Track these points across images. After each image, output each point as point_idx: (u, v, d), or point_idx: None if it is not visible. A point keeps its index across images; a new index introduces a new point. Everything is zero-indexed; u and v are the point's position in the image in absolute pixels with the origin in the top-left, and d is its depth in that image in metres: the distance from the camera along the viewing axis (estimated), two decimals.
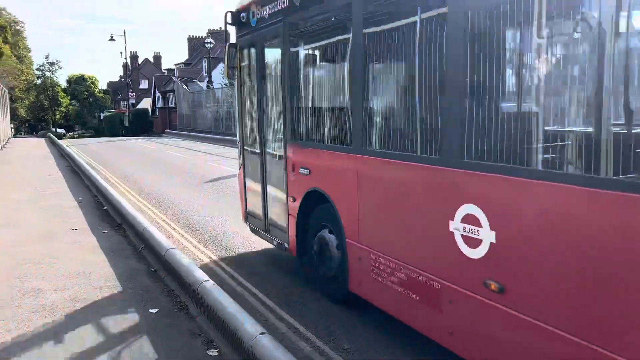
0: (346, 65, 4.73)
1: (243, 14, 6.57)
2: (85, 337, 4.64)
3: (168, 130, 47.32)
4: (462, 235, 3.43)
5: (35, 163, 20.24)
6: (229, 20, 6.65)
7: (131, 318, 5.02)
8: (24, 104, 63.31)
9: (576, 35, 2.89)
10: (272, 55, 6.08)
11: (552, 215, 2.83)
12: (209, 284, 4.96)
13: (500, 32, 3.16)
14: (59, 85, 66.83)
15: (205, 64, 48.70)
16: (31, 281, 6.03)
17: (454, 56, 3.38)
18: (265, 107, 6.31)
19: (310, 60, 5.63)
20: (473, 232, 3.33)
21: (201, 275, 5.18)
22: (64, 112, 67.45)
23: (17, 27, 60.01)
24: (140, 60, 77.74)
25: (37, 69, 65.67)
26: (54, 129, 58.86)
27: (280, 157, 5.96)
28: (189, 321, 4.91)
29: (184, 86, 46.07)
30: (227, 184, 13.39)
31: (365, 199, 4.53)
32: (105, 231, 8.50)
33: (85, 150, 27.17)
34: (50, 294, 5.63)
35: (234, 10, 6.71)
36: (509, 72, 3.25)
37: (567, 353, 2.77)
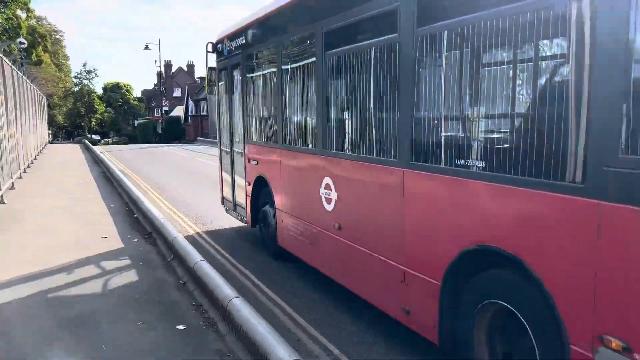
0: (274, 88, 6.81)
1: (219, 45, 8.69)
2: (109, 353, 4.45)
3: (200, 138, 47.86)
4: (324, 197, 5.51)
5: (69, 169, 20.56)
6: (209, 49, 8.80)
7: (158, 335, 4.80)
8: (61, 110, 64.83)
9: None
10: (236, 77, 8.31)
11: (363, 181, 4.81)
12: (238, 301, 4.71)
13: (344, 73, 5.08)
14: (95, 93, 68.27)
15: None
16: (57, 291, 5.92)
17: (316, 88, 5.57)
18: (233, 116, 8.63)
19: (257, 82, 7.53)
20: (329, 194, 5.42)
21: (231, 291, 4.95)
22: (99, 119, 68.83)
23: (57, 37, 61.90)
24: (174, 69, 79.06)
25: (75, 77, 67.39)
26: (89, 136, 60.10)
27: (241, 153, 8.22)
28: (217, 340, 4.66)
29: None
30: None
31: (284, 178, 6.72)
32: (135, 240, 8.38)
33: (119, 156, 27.58)
34: (75, 305, 5.50)
35: (213, 41, 8.84)
36: (344, 99, 5.24)
37: (373, 262, 4.66)
